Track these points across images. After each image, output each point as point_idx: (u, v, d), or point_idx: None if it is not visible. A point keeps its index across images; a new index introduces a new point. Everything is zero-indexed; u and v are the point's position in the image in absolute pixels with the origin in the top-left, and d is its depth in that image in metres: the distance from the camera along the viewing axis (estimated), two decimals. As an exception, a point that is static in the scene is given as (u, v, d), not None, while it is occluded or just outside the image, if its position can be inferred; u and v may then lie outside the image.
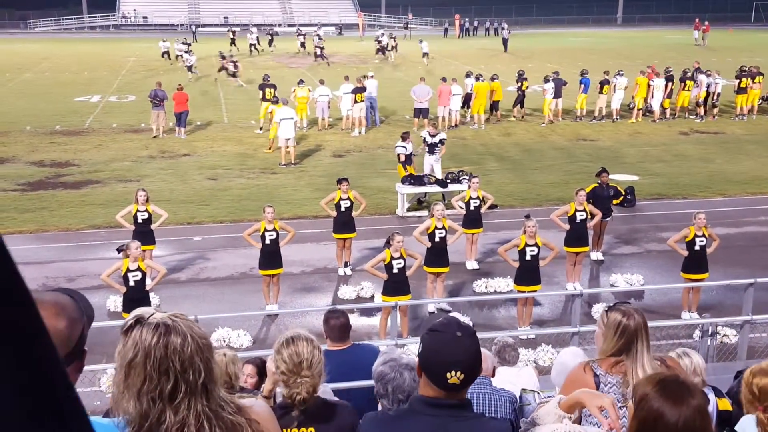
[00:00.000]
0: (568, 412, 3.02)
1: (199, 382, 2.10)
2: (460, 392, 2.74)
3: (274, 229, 11.84)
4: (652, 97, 26.97)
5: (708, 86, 27.12)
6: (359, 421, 3.74)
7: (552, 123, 26.27)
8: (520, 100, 27.41)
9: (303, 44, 49.26)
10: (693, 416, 2.26)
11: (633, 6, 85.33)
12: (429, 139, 17.46)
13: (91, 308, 2.22)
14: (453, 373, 2.65)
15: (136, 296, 10.31)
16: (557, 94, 26.75)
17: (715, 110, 27.59)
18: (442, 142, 17.55)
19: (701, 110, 27.32)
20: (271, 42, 50.82)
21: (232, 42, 48.75)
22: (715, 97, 27.42)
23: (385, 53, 46.55)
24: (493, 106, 26.96)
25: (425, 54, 43.48)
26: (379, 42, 47.27)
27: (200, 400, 2.11)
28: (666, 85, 27.05)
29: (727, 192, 18.44)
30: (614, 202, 15.30)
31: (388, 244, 10.64)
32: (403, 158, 17.04)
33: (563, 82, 26.77)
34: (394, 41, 46.88)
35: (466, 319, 11.43)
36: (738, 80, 27.45)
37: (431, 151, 17.46)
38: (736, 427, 4.48)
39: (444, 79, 25.94)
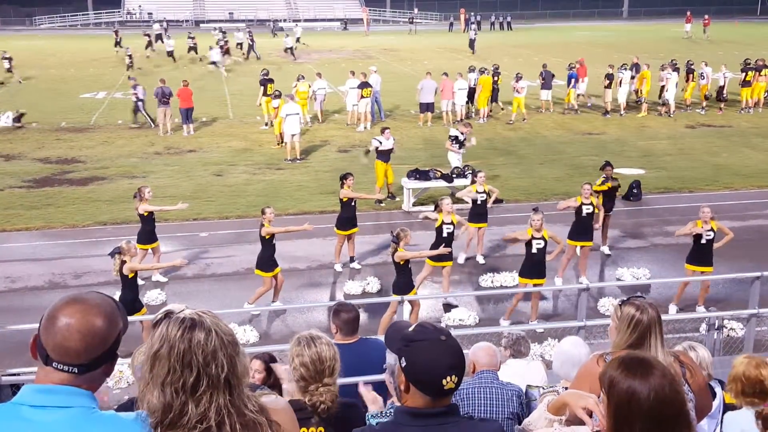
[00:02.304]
0: (556, 414, 3.00)
1: (221, 377, 2.15)
2: (449, 397, 2.69)
3: None
4: (667, 90, 26.77)
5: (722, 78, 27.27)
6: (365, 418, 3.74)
7: (524, 120, 25.66)
8: (494, 96, 27.27)
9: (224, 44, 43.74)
10: (662, 386, 2.35)
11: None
12: (461, 137, 17.34)
13: (126, 320, 2.31)
14: (449, 378, 2.61)
15: (135, 296, 10.28)
16: (547, 86, 27.23)
17: (722, 103, 27.43)
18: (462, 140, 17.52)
19: (704, 102, 27.43)
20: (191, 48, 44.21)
21: (149, 45, 45.01)
22: (724, 92, 27.38)
23: (248, 55, 42.67)
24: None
25: (288, 48, 42.70)
26: (226, 42, 42.54)
27: (222, 394, 2.16)
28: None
29: (733, 185, 18.39)
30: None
31: (396, 238, 10.56)
32: (383, 150, 16.79)
33: (552, 74, 27.26)
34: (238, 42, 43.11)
35: (472, 314, 11.46)
36: (744, 73, 27.40)
37: (460, 147, 17.37)
38: (727, 421, 4.48)
39: (446, 74, 26.04)
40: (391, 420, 2.85)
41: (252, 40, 44.53)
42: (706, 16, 55.12)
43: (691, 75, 27.53)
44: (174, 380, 2.12)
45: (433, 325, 2.78)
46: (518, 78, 25.59)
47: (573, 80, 27.09)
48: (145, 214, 12.62)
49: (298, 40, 49.43)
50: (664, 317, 3.69)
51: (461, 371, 2.66)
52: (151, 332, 2.22)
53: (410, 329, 2.73)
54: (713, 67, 28.39)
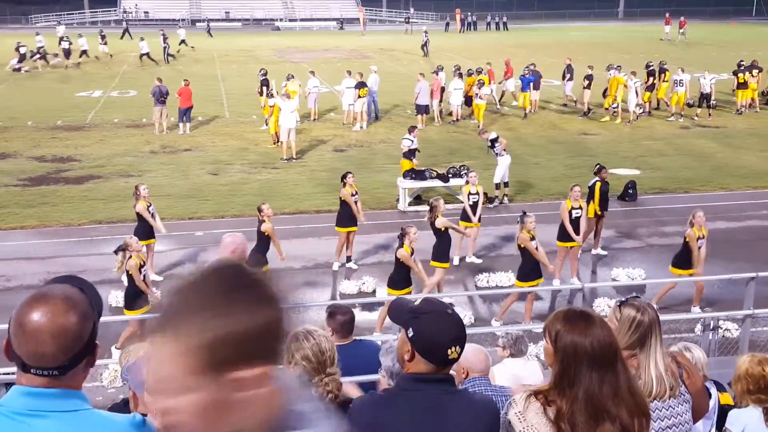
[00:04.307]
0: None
1: None
2: (450, 367, 2.88)
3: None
4: (631, 96, 25.64)
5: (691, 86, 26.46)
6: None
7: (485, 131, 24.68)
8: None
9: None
10: (601, 335, 2.76)
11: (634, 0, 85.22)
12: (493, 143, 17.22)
13: (99, 298, 2.22)
14: (453, 348, 2.80)
15: (140, 291, 10.30)
16: (535, 87, 27.31)
17: (709, 110, 26.29)
18: (493, 144, 17.10)
19: (682, 110, 26.18)
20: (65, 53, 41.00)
21: None
22: (712, 98, 26.37)
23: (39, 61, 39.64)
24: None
25: (143, 54, 40.56)
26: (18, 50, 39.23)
27: None
28: (648, 80, 26.88)
29: (728, 186, 18.42)
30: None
31: (403, 237, 10.57)
32: (406, 149, 17.11)
33: (540, 75, 27.33)
34: (37, 50, 39.96)
35: (468, 314, 11.46)
36: (736, 75, 27.20)
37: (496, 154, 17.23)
38: (731, 420, 4.49)
39: (436, 73, 26.16)
40: (394, 386, 3.03)
41: (166, 43, 43.03)
42: (682, 18, 55.23)
43: (663, 75, 27.08)
44: None
45: (439, 300, 3.02)
46: (480, 84, 24.76)
47: (531, 84, 26.76)
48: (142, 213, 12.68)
49: (183, 42, 46.95)
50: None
51: (464, 343, 2.88)
52: None
53: (417, 302, 2.93)
54: (702, 71, 28.07)
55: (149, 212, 12.68)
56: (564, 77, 28.55)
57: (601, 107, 26.85)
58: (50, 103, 29.46)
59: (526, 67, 27.30)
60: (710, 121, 25.96)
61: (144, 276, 10.34)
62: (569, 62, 28.58)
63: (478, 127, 24.19)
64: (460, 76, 26.11)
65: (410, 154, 17.12)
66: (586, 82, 26.60)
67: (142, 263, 10.26)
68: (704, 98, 26.50)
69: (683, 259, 11.53)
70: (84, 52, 41.83)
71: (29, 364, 2.01)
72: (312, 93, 26.08)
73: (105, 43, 44.12)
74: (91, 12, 74.93)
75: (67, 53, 40.93)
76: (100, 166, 20.33)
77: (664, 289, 11.64)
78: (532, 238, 10.98)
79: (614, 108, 26.12)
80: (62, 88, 33.49)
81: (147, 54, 40.84)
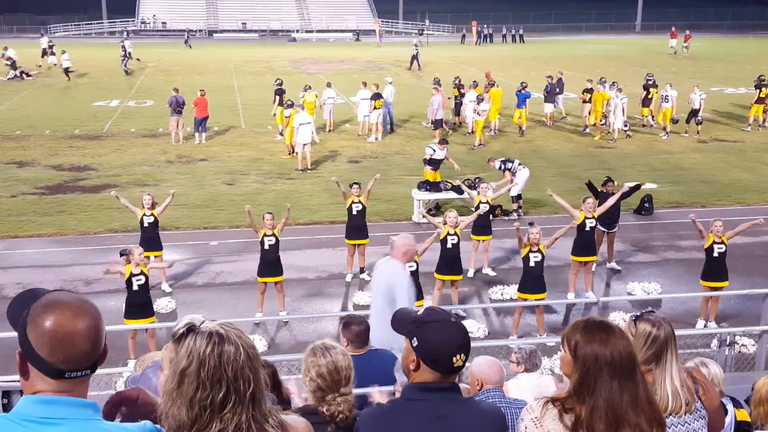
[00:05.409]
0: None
1: (248, 393, 2.12)
2: (456, 375, 2.89)
3: (274, 236, 11.86)
4: (617, 113, 24.83)
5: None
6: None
7: (483, 146, 23.76)
8: (456, 110, 26.97)
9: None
10: (621, 346, 2.81)
11: (652, 13, 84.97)
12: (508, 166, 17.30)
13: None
14: (459, 356, 2.82)
15: (140, 301, 10.34)
16: (550, 100, 27.26)
17: (699, 126, 25.41)
18: (505, 164, 17.20)
19: (667, 125, 25.62)
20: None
21: None
22: (699, 115, 25.43)
23: None
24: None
25: (65, 69, 39.09)
26: None
27: (246, 410, 2.12)
28: (647, 94, 26.58)
29: (745, 201, 18.29)
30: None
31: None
32: (428, 157, 17.17)
33: (556, 88, 27.30)
34: None
35: (482, 326, 11.41)
36: (759, 89, 26.95)
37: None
38: None
39: (440, 85, 26.17)
40: (399, 397, 3.04)
41: (125, 53, 42.65)
42: (687, 32, 55.07)
43: (652, 89, 26.64)
44: (203, 397, 2.08)
45: (441, 309, 3.02)
46: (479, 100, 24.30)
47: (526, 100, 25.88)
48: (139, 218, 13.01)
49: (129, 55, 44.59)
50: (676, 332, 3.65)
51: (469, 350, 2.89)
52: (173, 347, 2.17)
53: (420, 312, 2.95)
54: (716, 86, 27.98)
55: (140, 222, 12.93)
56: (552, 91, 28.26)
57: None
58: (68, 112, 29.73)
59: (522, 82, 26.62)
60: (728, 135, 25.80)
61: (140, 285, 10.34)
62: (560, 76, 28.52)
63: (481, 145, 24.07)
64: (492, 87, 26.16)
65: (431, 163, 17.18)
66: (587, 96, 26.32)
67: (134, 273, 10.22)
68: (692, 114, 25.60)
69: (705, 272, 11.47)
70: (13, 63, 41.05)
71: (66, 368, 2.05)
72: (327, 104, 26.19)
73: (53, 53, 43.55)
74: (109, 22, 75.62)
75: (14, 64, 40.82)
76: (116, 175, 20.47)
77: (702, 304, 11.56)
78: (531, 251, 11.04)
79: (602, 125, 25.80)
80: (79, 97, 33.79)
81: (67, 69, 39.52)
